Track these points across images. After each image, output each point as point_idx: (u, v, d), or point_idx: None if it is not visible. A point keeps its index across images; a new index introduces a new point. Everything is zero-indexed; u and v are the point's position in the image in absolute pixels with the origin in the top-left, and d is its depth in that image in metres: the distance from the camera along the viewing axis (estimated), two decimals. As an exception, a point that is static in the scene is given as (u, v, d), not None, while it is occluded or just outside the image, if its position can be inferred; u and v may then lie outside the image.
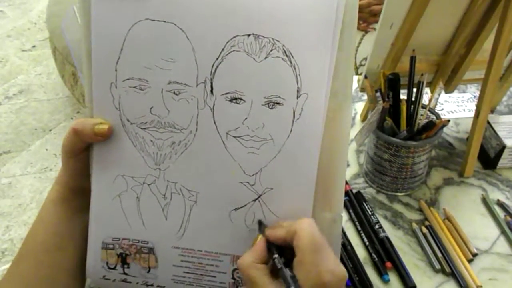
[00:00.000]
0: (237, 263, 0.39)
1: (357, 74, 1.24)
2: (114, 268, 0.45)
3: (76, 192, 0.44)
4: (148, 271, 0.45)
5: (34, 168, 1.78)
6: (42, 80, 2.23)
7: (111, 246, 0.44)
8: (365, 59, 0.71)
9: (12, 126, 1.98)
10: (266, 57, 0.39)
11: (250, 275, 0.38)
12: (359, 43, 1.26)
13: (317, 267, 0.36)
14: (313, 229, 0.38)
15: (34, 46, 2.47)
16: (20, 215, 1.60)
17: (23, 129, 1.97)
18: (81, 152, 0.42)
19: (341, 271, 0.37)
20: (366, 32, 1.29)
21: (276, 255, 0.38)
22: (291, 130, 0.41)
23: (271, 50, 0.39)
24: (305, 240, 0.37)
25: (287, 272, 0.37)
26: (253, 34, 0.39)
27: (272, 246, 0.39)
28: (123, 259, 0.45)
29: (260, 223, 0.42)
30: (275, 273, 0.38)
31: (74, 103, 2.06)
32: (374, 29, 0.59)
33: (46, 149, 1.86)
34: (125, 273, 0.45)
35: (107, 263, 0.45)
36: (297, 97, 0.40)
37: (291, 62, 0.39)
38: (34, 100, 2.12)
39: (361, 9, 1.30)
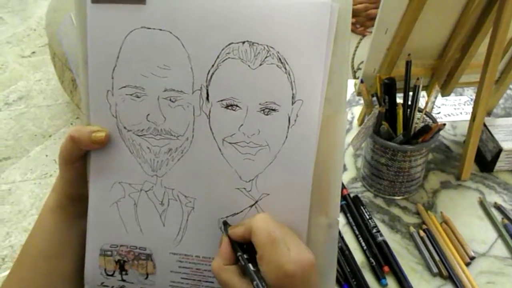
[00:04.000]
0: (211, 267, 0.40)
1: (354, 78, 1.25)
2: (112, 275, 0.45)
3: (73, 199, 0.44)
4: (146, 278, 0.45)
5: (33, 174, 1.79)
6: (42, 86, 2.24)
7: (109, 252, 0.44)
8: (363, 62, 0.72)
9: (12, 133, 1.98)
10: (261, 64, 0.40)
11: (221, 278, 0.39)
12: (357, 47, 1.26)
13: (277, 260, 0.36)
14: (267, 224, 0.38)
15: (33, 52, 2.48)
16: (20, 221, 1.60)
17: (23, 135, 1.97)
18: (78, 160, 0.43)
19: (304, 259, 0.37)
20: (364, 36, 1.30)
21: (240, 253, 0.39)
22: (286, 136, 0.41)
23: (266, 57, 0.40)
24: (261, 236, 0.37)
25: (250, 267, 0.38)
26: (248, 41, 0.40)
27: (236, 245, 0.40)
28: (121, 266, 0.45)
29: (225, 223, 0.43)
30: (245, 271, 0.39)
31: (73, 109, 2.06)
32: (372, 33, 0.59)
33: (46, 155, 1.87)
34: (123, 280, 0.45)
35: (105, 269, 0.45)
36: (292, 103, 0.40)
37: (285, 69, 0.40)
38: (33, 106, 2.12)
39: (358, 13, 1.31)
